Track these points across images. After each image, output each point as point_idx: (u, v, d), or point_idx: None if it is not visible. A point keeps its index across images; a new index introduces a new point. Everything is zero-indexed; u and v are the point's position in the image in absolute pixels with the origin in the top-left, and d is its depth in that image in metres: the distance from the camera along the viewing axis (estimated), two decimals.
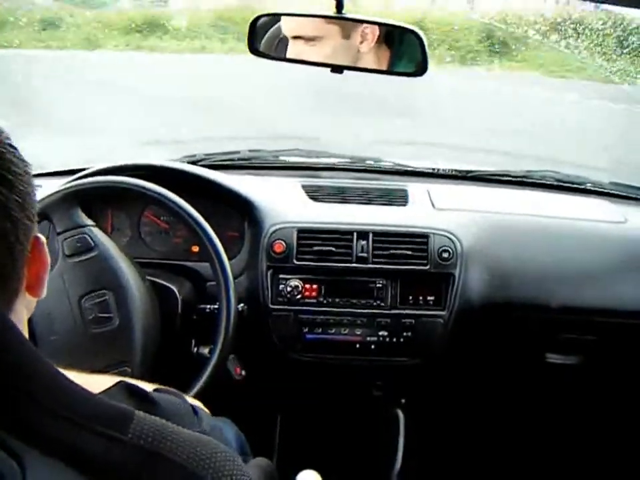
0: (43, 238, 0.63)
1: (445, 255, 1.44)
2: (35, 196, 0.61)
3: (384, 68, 1.22)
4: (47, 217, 1.27)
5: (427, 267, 1.44)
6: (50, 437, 0.53)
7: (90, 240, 1.25)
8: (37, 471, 0.52)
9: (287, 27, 1.22)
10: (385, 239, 1.46)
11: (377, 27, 1.17)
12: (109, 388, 0.65)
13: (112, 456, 0.54)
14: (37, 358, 0.57)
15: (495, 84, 5.31)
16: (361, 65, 1.19)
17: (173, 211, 1.27)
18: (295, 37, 1.21)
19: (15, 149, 0.60)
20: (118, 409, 0.58)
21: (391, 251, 1.45)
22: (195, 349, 1.30)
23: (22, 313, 0.61)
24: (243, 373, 1.32)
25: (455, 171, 1.78)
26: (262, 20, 1.24)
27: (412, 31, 1.16)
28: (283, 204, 1.53)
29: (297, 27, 1.21)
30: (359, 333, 1.45)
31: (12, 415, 0.53)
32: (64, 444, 0.53)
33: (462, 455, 1.76)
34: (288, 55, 1.21)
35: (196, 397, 1.15)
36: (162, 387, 0.77)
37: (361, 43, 1.17)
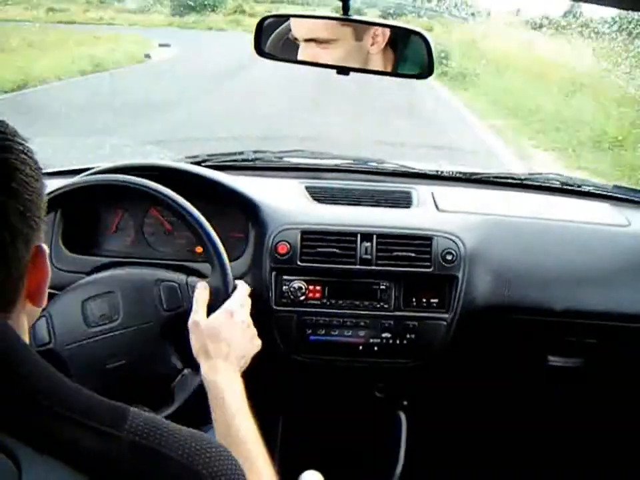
0: (45, 247, 0.62)
1: (449, 257, 1.44)
2: (42, 202, 0.61)
3: (390, 70, 1.22)
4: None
5: (431, 269, 1.44)
6: (44, 435, 0.54)
7: None
8: (33, 469, 0.52)
9: (299, 30, 1.20)
10: (389, 240, 1.46)
11: (387, 30, 1.16)
12: None
13: (107, 452, 0.55)
14: (30, 356, 0.57)
15: None
16: (368, 66, 1.18)
17: (175, 211, 1.26)
18: (308, 40, 1.20)
19: (27, 154, 0.59)
20: (112, 405, 0.59)
21: (395, 253, 1.45)
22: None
23: (22, 320, 0.61)
24: None
25: (459, 173, 1.78)
26: (268, 21, 1.24)
27: (418, 33, 1.16)
28: (287, 205, 1.52)
29: (311, 29, 1.20)
30: (362, 334, 1.45)
31: (6, 412, 0.53)
32: (58, 441, 0.54)
33: (464, 456, 1.76)
34: (299, 57, 1.21)
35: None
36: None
37: (372, 45, 1.17)
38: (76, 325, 1.18)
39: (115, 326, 1.17)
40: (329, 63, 1.17)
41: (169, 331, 1.19)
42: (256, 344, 1.15)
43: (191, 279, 1.21)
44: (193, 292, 1.16)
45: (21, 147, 0.59)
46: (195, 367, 1.12)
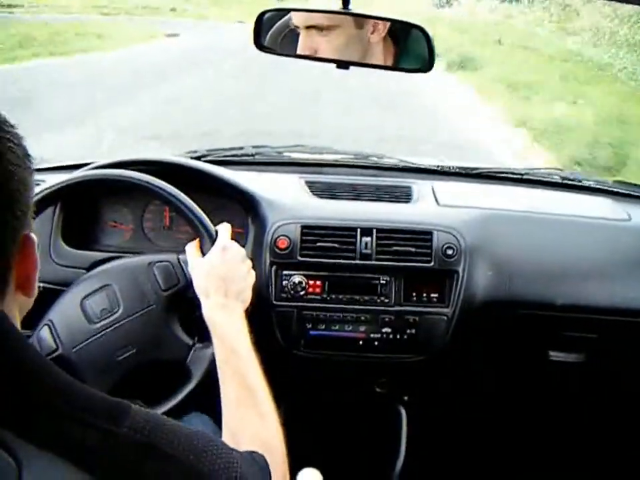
0: (34, 237, 0.61)
1: (449, 251, 1.43)
2: (29, 191, 0.60)
3: (390, 64, 1.21)
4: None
5: (431, 264, 1.43)
6: (45, 431, 0.53)
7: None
8: (33, 465, 0.52)
9: (300, 17, 1.20)
10: (389, 235, 1.45)
11: None
12: None
13: (107, 449, 0.54)
14: (30, 352, 0.57)
15: None
16: (368, 58, 1.17)
17: (175, 206, 1.26)
18: (309, 27, 1.19)
19: (15, 141, 0.58)
20: (113, 402, 0.59)
21: (395, 248, 1.44)
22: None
23: (14, 311, 0.61)
24: None
25: (460, 168, 1.77)
26: (267, 15, 1.23)
27: (418, 27, 1.15)
28: (287, 200, 1.52)
29: (311, 16, 1.20)
30: (362, 329, 1.45)
31: (6, 409, 0.53)
32: (59, 437, 0.53)
33: (464, 452, 1.76)
34: (300, 46, 1.19)
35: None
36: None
37: (372, 32, 1.16)
38: (79, 326, 1.18)
39: (117, 317, 1.18)
40: (329, 51, 1.16)
41: (172, 310, 1.20)
42: (252, 275, 1.19)
43: (182, 256, 1.22)
44: (186, 267, 1.19)
45: (8, 135, 0.58)
46: (205, 339, 1.14)
